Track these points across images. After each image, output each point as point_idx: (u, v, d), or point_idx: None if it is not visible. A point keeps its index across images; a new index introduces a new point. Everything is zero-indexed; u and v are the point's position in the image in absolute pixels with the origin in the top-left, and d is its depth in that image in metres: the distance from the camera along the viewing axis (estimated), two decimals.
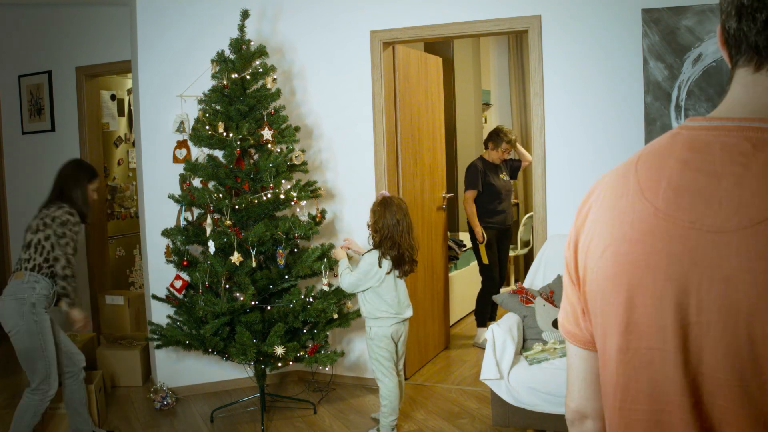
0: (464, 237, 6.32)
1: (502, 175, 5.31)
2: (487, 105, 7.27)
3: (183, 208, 4.08)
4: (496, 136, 5.23)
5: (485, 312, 5.34)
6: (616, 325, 0.90)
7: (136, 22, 4.37)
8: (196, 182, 4.07)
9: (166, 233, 4.00)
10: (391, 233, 3.54)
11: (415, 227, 4.76)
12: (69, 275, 3.38)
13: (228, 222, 3.76)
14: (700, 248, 0.81)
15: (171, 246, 4.07)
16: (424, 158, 4.94)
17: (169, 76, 4.35)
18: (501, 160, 5.27)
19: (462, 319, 6.15)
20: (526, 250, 6.82)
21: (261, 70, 3.96)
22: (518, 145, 5.42)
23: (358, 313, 4.09)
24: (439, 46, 5.97)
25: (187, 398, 4.43)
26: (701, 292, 0.81)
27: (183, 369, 4.47)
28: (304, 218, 4.07)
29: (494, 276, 5.27)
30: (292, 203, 3.94)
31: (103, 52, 5.21)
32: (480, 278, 5.37)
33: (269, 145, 3.90)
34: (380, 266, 3.56)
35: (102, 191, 5.56)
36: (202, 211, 4.00)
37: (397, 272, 3.60)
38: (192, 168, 3.97)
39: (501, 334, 3.36)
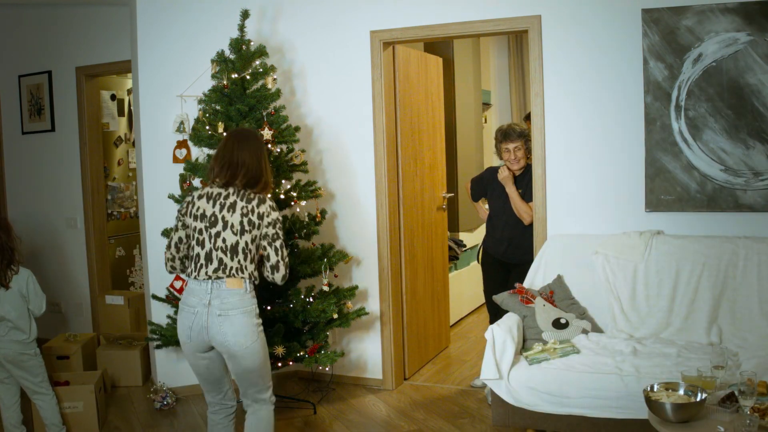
0: (464, 237, 6.32)
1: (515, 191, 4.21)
2: (487, 105, 7.26)
3: None
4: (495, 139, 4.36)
5: None
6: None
7: (136, 22, 4.37)
8: (196, 182, 4.07)
9: (166, 233, 4.00)
10: None
11: (415, 227, 4.80)
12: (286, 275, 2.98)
13: None
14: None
15: None
16: (424, 158, 4.94)
17: (169, 76, 4.35)
18: (516, 170, 4.23)
19: (462, 319, 6.15)
20: None
21: (261, 70, 3.96)
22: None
23: (358, 313, 4.09)
24: (439, 46, 5.96)
25: (187, 398, 4.43)
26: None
27: (183, 369, 4.45)
28: (305, 218, 4.07)
29: (489, 307, 4.38)
30: (292, 203, 3.94)
31: (103, 52, 5.21)
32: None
33: (269, 145, 3.90)
34: None
35: (102, 191, 5.56)
36: None
37: None
38: (192, 168, 3.97)
39: (501, 334, 3.35)
